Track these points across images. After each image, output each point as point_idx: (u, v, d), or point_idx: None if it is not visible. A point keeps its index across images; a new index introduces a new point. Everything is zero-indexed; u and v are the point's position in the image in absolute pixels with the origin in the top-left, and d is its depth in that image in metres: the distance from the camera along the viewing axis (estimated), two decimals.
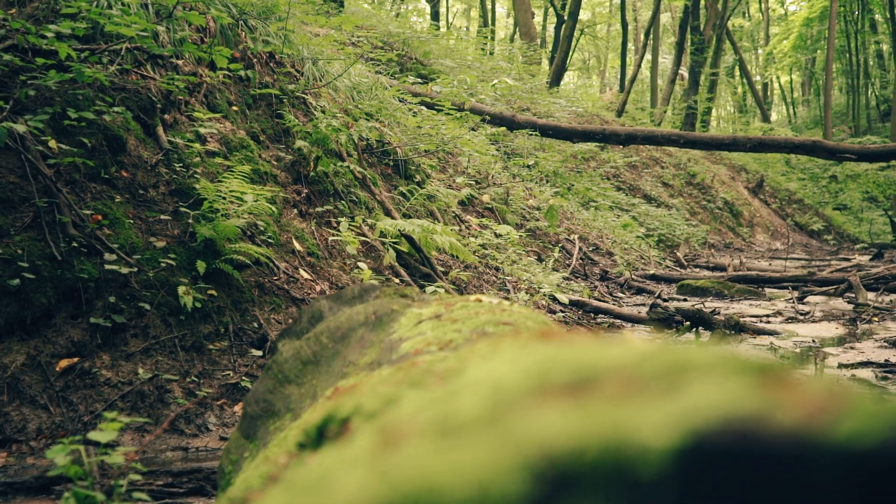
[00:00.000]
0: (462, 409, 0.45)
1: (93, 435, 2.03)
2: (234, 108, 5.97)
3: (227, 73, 5.90)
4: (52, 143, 4.37)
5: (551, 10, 32.06)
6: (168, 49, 4.82)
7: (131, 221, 4.61)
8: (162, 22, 5.13)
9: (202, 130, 5.34)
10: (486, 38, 28.17)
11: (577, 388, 0.41)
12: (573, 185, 15.66)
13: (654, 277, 11.79)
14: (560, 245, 10.77)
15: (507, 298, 7.31)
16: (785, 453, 0.33)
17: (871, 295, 10.35)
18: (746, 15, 52.88)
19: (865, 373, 5.94)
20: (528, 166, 14.29)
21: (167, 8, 5.16)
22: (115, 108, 4.61)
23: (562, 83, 28.00)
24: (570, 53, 31.64)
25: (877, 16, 44.06)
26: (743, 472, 0.33)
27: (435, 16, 32.44)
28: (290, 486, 0.58)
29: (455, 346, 1.59)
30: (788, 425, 0.34)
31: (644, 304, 9.22)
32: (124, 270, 4.28)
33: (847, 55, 43.14)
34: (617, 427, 0.36)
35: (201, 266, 4.59)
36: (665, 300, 9.64)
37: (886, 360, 6.25)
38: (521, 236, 9.59)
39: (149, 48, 4.83)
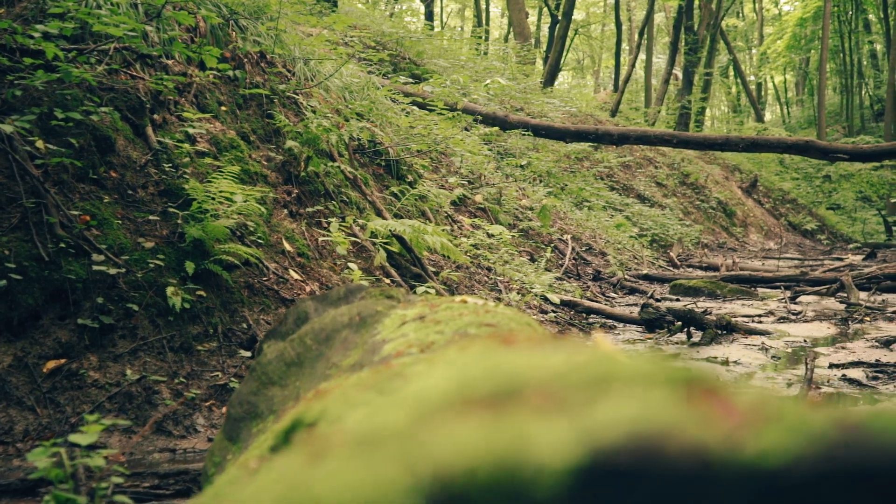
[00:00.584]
0: (386, 422, 0.44)
1: (73, 437, 2.02)
2: (225, 108, 5.96)
3: (217, 73, 5.88)
4: (40, 144, 4.35)
5: (545, 10, 32.06)
6: (157, 49, 4.80)
7: (120, 222, 4.59)
8: (150, 22, 5.12)
9: (192, 131, 5.33)
10: (480, 38, 28.16)
11: (499, 401, 0.40)
12: (566, 185, 15.66)
13: (647, 277, 11.80)
14: (553, 245, 10.77)
15: (498, 299, 7.30)
16: (686, 472, 0.32)
17: (863, 295, 10.36)
18: (740, 15, 52.95)
19: (856, 373, 5.94)
20: (522, 166, 14.29)
21: (156, 8, 5.14)
22: (103, 109, 4.59)
23: (556, 83, 28.01)
24: (565, 53, 31.67)
25: (870, 16, 44.15)
26: (642, 491, 0.32)
27: (429, 16, 32.42)
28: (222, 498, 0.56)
29: (436, 349, 1.59)
30: (694, 442, 0.33)
31: (637, 304, 9.22)
32: (112, 271, 4.26)
33: (841, 55, 43.21)
34: (516, 445, 0.35)
35: (190, 267, 4.57)
36: (657, 300, 9.65)
37: (877, 360, 6.26)
38: (513, 236, 9.58)
39: (137, 48, 4.82)
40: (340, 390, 1.10)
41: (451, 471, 0.34)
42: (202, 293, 4.62)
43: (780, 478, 0.31)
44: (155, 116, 5.23)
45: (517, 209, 11.27)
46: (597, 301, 9.06)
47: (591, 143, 17.05)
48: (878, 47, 44.70)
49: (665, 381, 0.40)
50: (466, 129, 12.08)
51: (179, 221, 4.78)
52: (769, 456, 0.32)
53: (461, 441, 0.36)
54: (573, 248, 11.25)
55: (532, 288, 7.84)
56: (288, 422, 1.08)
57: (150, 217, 4.75)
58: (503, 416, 0.37)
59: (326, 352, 2.08)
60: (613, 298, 10.03)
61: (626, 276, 11.25)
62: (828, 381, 5.71)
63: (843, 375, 5.85)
